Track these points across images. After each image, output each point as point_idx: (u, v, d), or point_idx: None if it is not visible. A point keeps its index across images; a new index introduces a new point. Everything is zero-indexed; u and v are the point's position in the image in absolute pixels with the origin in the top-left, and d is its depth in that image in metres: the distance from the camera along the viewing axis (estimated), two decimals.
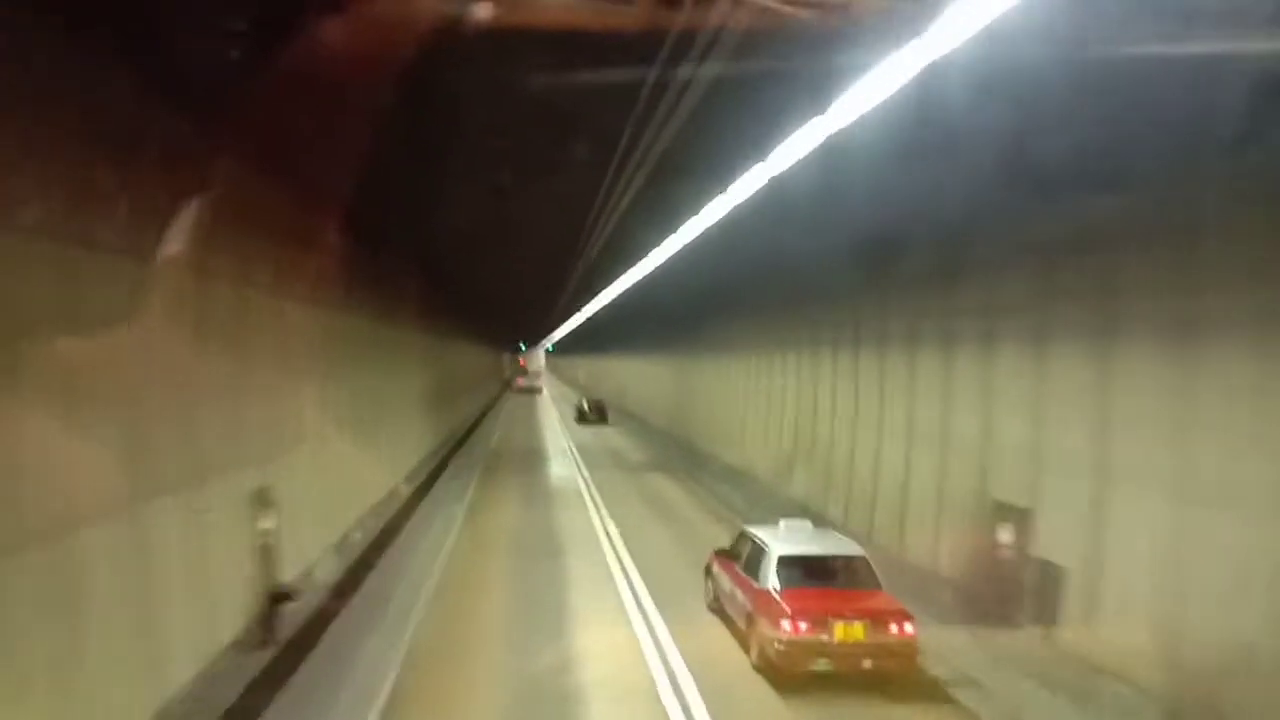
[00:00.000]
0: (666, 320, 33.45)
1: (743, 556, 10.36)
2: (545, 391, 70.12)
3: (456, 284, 29.06)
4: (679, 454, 28.50)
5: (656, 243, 17.91)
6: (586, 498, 20.60)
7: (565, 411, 50.08)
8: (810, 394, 17.72)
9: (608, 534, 16.33)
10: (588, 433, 38.26)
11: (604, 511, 18.59)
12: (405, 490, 19.07)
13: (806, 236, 13.86)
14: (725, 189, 12.12)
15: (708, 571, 11.56)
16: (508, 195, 14.78)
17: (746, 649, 9.63)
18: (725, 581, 10.66)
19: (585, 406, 41.63)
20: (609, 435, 37.36)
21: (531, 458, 29.18)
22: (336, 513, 13.64)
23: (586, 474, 24.60)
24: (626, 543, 15.48)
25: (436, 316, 28.05)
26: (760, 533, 10.41)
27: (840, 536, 10.84)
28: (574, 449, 31.32)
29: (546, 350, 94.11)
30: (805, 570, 9.49)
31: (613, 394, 52.53)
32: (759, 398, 21.30)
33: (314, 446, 12.40)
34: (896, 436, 13.71)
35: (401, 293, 20.97)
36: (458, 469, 25.19)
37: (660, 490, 22.09)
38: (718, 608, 11.03)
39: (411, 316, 23.12)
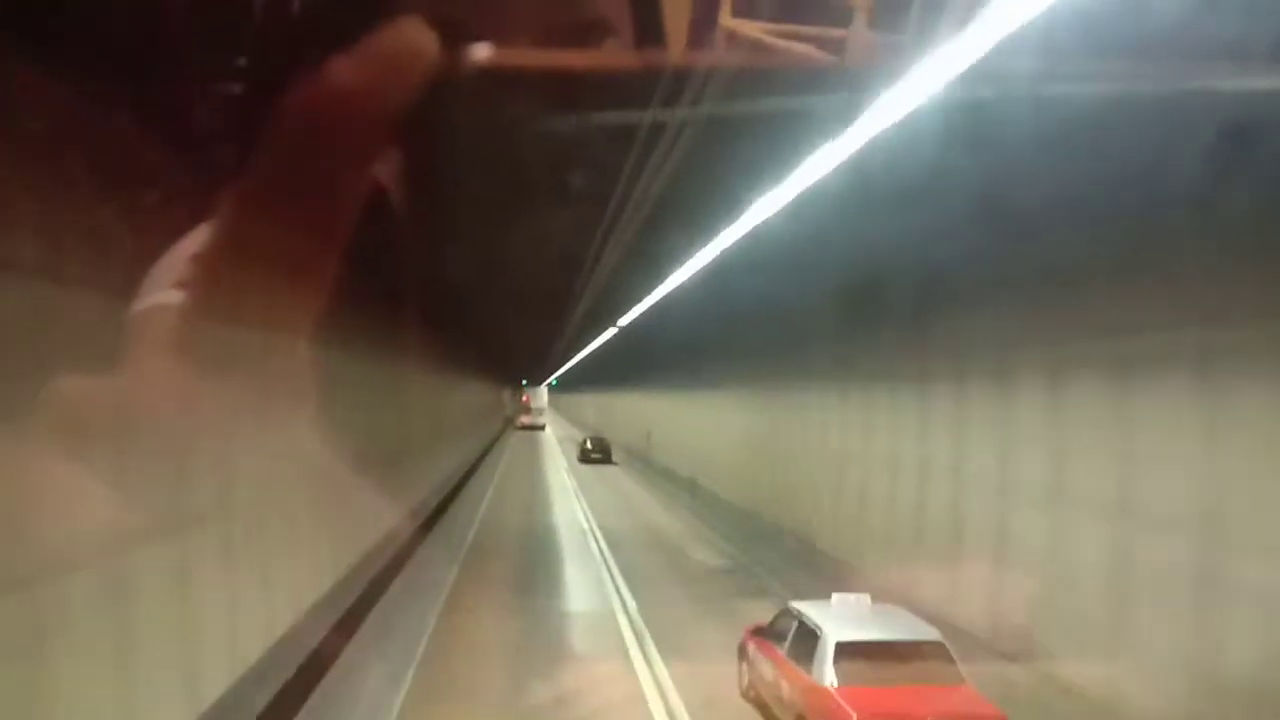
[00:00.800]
0: (731, 342, 22.82)
1: (787, 639, 8.48)
2: (550, 432, 65.00)
3: (452, 319, 25.61)
4: (792, 563, 17.11)
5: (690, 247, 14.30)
6: (647, 684, 9.90)
7: (575, 461, 39.59)
8: None
9: None
10: (610, 497, 27.50)
11: None
12: (256, 696, 8.30)
13: None
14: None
15: (741, 652, 9.61)
16: (507, 229, 14.07)
17: None
18: (766, 668, 8.81)
19: (589, 445, 40.48)
20: (642, 506, 26.39)
21: (534, 555, 18.27)
22: None
23: (630, 602, 13.82)
24: None
25: (426, 352, 24.49)
26: (810, 612, 8.45)
27: (910, 616, 8.51)
28: (597, 533, 20.48)
29: (550, 385, 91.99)
30: (870, 660, 7.65)
31: (635, 442, 42.04)
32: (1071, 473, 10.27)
33: None
34: None
35: (383, 324, 17.35)
36: (410, 584, 14.54)
37: None
38: (754, 696, 9.22)
39: (391, 351, 18.98)
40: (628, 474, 36.00)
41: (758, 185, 9.45)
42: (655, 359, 35.11)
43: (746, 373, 22.45)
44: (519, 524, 22.51)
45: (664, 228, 12.08)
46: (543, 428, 66.99)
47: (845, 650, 7.64)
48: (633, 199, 10.09)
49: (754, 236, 11.81)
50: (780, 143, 8.15)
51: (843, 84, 5.84)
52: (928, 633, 8.04)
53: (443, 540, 19.15)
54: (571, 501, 26.83)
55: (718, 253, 13.67)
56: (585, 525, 22.10)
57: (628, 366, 42.55)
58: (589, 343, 40.70)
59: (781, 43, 4.37)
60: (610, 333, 28.69)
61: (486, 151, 9.47)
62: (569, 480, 32.61)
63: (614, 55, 4.14)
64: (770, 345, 19.82)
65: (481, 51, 3.76)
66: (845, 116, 6.72)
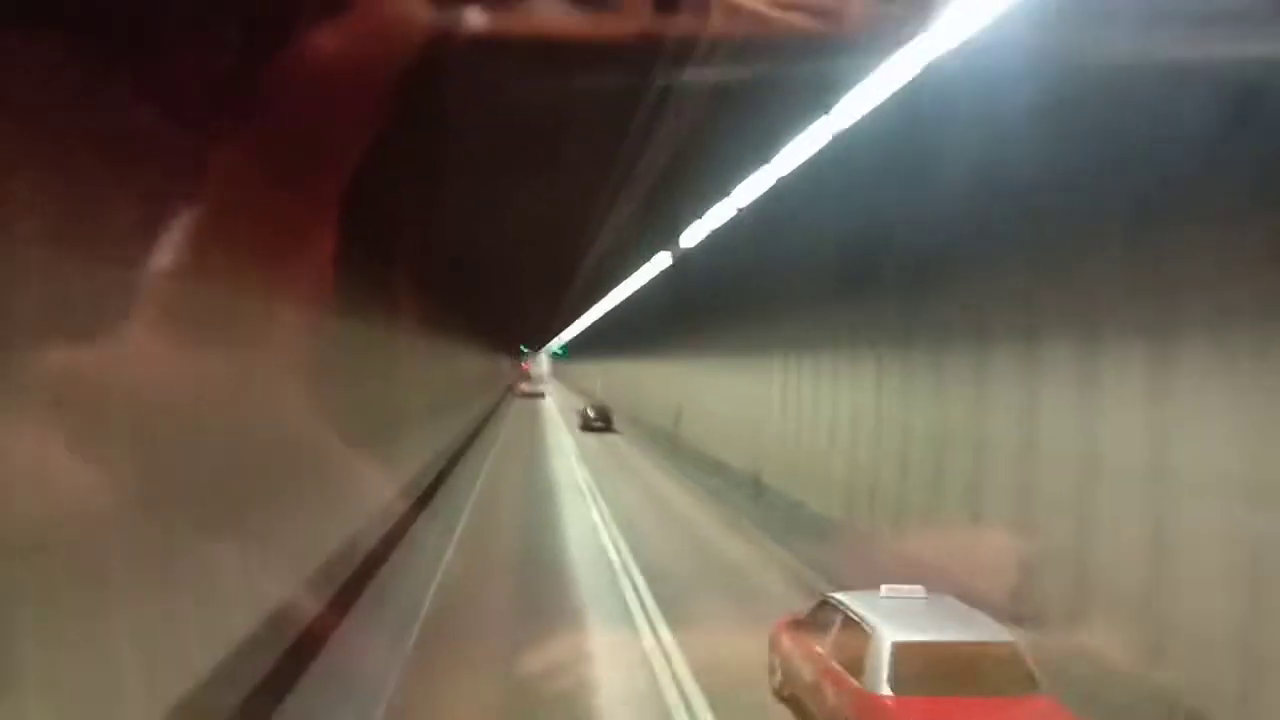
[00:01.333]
0: (821, 284, 15.57)
1: (830, 635, 7.47)
2: (551, 402, 62.15)
3: (448, 287, 23.58)
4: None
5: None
6: None
7: (586, 448, 32.42)
8: None
9: None
10: (640, 502, 20.25)
11: None
12: None
13: None
14: None
15: (774, 645, 8.58)
16: (504, 197, 13.64)
17: None
18: (805, 667, 7.77)
19: (590, 414, 39.97)
20: (688, 519, 19.02)
21: (537, 632, 10.70)
22: None
23: None
24: None
25: (419, 321, 21.57)
26: (857, 606, 7.39)
27: (974, 612, 7.40)
28: (636, 577, 13.16)
29: (554, 354, 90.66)
30: (931, 665, 6.68)
31: (658, 421, 34.90)
32: None
33: None
34: None
35: (371, 288, 14.24)
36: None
37: None
38: (790, 696, 8.18)
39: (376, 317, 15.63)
40: (652, 461, 28.75)
41: None
42: (689, 316, 27.85)
43: (861, 325, 14.99)
44: (514, 556, 15.09)
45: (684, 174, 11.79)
46: (542, 395, 67.47)
47: (903, 653, 6.69)
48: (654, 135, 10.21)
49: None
50: None
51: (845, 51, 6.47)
52: (998, 633, 7.03)
53: (394, 601, 11.87)
54: (588, 507, 19.55)
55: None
56: (614, 556, 14.77)
57: (651, 328, 35.42)
58: (604, 299, 34.52)
59: (779, 13, 4.51)
60: (622, 295, 22.32)
61: (489, 108, 9.46)
62: (580, 470, 25.39)
63: (618, 23, 4.57)
64: (915, 279, 12.40)
65: (484, 18, 4.42)
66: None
